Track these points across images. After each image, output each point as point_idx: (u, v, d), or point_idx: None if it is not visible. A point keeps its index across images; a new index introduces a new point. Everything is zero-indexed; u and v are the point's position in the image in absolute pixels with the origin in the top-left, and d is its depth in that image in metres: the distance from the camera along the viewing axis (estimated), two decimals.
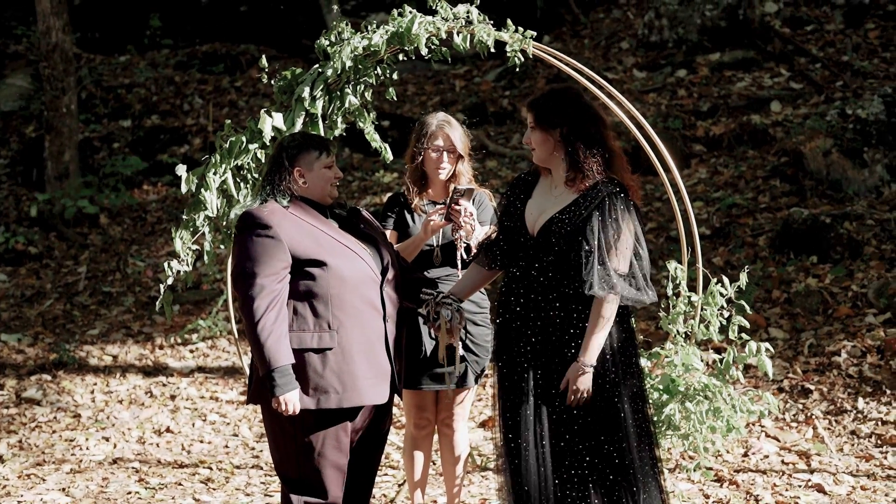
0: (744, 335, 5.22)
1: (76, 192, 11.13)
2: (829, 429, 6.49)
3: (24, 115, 13.45)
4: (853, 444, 6.29)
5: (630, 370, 4.30)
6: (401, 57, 5.08)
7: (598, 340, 4.13)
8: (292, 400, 4.06)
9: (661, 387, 5.24)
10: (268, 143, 5.02)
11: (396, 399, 4.43)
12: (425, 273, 4.95)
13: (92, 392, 7.94)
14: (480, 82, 12.98)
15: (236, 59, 14.35)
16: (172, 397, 7.82)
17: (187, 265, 5.08)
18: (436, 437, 5.21)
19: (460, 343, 4.62)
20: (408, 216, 5.06)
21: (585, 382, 4.13)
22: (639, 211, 4.26)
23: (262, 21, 15.00)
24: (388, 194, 6.64)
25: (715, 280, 5.17)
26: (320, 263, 4.14)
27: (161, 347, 8.76)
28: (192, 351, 8.65)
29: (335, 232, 4.27)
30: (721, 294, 5.21)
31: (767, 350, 5.25)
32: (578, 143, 4.20)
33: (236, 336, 5.68)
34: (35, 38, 12.27)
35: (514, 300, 4.28)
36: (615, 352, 4.23)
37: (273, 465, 4.45)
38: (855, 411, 6.61)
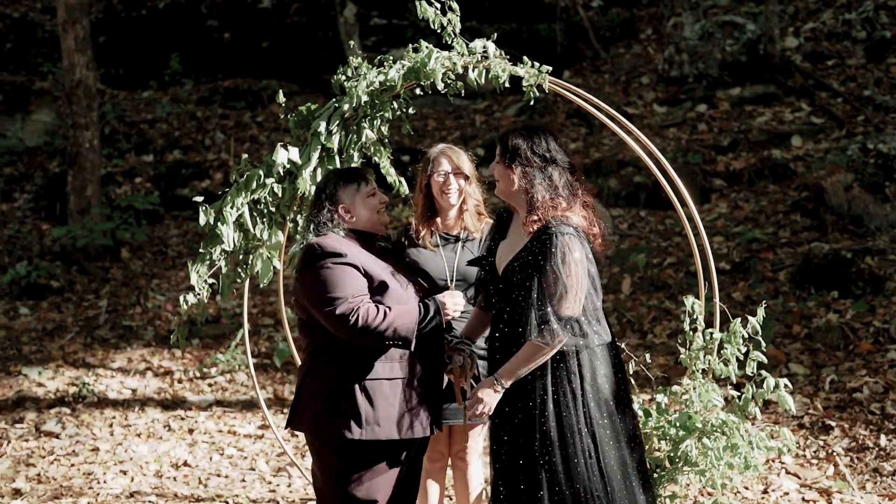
0: (762, 371, 5.17)
1: (96, 226, 11.20)
2: (850, 466, 6.41)
3: (49, 150, 13.58)
4: (875, 482, 6.20)
5: (624, 417, 4.27)
6: (418, 91, 5.09)
7: (519, 370, 4.08)
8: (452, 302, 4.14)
9: (677, 423, 5.19)
10: (282, 176, 5.02)
11: None
12: None
13: (111, 425, 7.94)
14: (501, 117, 13.01)
15: (258, 95, 14.46)
16: (190, 431, 7.81)
17: (203, 298, 5.09)
18: (450, 471, 5.18)
19: (472, 384, 4.62)
20: (410, 250, 5.02)
21: (490, 399, 4.12)
22: (594, 253, 4.22)
23: (283, 57, 15.12)
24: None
25: (738, 320, 5.13)
26: (385, 288, 4.16)
27: (180, 381, 8.77)
28: (210, 385, 8.66)
29: (387, 262, 4.32)
30: (743, 337, 5.16)
31: (786, 385, 5.19)
32: (536, 183, 4.17)
33: (253, 371, 5.67)
34: (60, 75, 12.39)
35: (494, 340, 4.30)
36: (608, 399, 4.21)
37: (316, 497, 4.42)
38: (877, 448, 6.52)
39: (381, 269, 4.22)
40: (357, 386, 4.15)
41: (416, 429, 4.20)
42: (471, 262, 4.70)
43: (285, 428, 4.51)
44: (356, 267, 4.13)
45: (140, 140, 13.74)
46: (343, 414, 4.13)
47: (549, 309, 4.01)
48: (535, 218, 4.15)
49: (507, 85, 4.95)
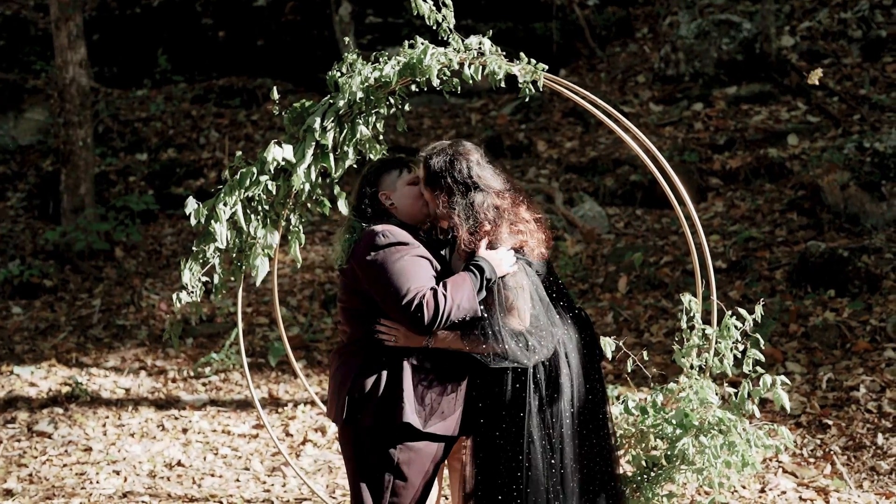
0: (759, 368, 5.13)
1: (90, 226, 11.14)
2: (847, 465, 6.38)
3: (42, 149, 13.53)
4: (873, 481, 6.17)
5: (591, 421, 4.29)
6: (414, 88, 5.04)
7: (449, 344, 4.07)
8: (501, 258, 4.03)
9: (674, 421, 5.15)
10: (277, 173, 4.98)
11: None
12: None
13: (104, 425, 7.89)
14: (497, 116, 12.97)
15: (253, 93, 14.42)
16: (184, 431, 7.76)
17: (196, 297, 5.04)
18: (446, 471, 5.13)
19: None
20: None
21: None
22: (541, 268, 4.23)
23: (279, 55, 15.07)
24: None
25: (729, 313, 5.10)
26: (442, 279, 4.04)
27: (174, 381, 8.72)
28: (204, 384, 8.61)
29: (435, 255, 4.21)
30: (736, 327, 5.13)
31: (783, 384, 5.16)
32: (459, 210, 4.12)
33: (247, 370, 5.63)
34: (53, 73, 12.33)
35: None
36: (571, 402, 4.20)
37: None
38: (874, 447, 6.49)
39: (437, 263, 4.14)
40: (417, 377, 4.06)
41: (455, 427, 4.13)
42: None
43: (334, 422, 4.37)
44: (425, 257, 4.04)
45: (134, 139, 13.69)
46: (402, 401, 4.03)
47: (495, 319, 4.01)
48: (464, 244, 4.09)
49: (503, 84, 4.90)
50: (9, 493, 6.69)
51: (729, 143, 11.29)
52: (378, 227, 4.10)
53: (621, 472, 5.00)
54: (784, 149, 10.93)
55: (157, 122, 13.88)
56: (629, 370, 5.17)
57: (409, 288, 3.92)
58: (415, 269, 3.97)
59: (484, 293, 4.01)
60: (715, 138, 11.42)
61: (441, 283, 3.95)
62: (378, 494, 4.11)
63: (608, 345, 4.91)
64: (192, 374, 8.78)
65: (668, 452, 5.03)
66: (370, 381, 4.07)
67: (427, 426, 4.05)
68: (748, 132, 11.37)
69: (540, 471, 4.14)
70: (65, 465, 7.22)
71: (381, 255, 4.01)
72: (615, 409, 5.16)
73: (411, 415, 4.01)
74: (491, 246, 4.10)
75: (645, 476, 5.12)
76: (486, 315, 4.02)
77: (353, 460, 4.18)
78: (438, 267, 4.09)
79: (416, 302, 3.88)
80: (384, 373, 4.07)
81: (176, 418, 8.00)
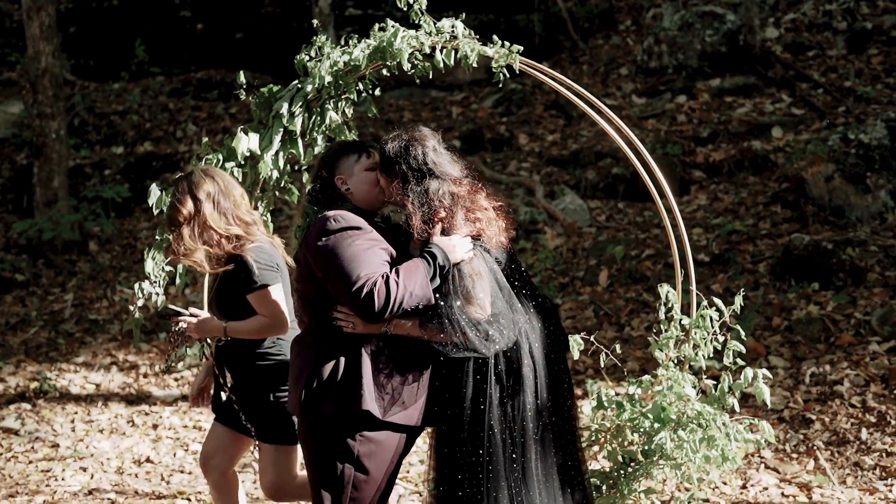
0: (739, 361, 4.98)
1: (62, 218, 10.92)
2: (831, 460, 6.24)
3: (17, 142, 13.32)
4: (857, 477, 6.03)
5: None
6: (385, 73, 4.86)
7: (404, 330, 3.95)
8: (455, 244, 3.90)
9: (651, 415, 5.01)
10: (242, 163, 4.83)
11: None
12: None
13: (72, 421, 7.71)
14: (478, 109, 12.81)
15: (231, 86, 14.24)
16: (154, 426, 7.59)
17: (159, 286, 4.89)
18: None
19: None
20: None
21: None
22: (502, 256, 4.14)
23: (258, 48, 14.90)
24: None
25: (706, 303, 4.94)
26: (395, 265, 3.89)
27: (145, 376, 8.54)
28: (176, 379, 8.43)
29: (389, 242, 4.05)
30: (713, 318, 4.97)
31: (765, 377, 5.00)
32: (413, 197, 3.99)
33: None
34: (25, 63, 12.11)
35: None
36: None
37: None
38: (858, 442, 6.36)
39: (393, 250, 3.98)
40: (376, 366, 3.90)
41: (417, 417, 3.97)
42: None
43: (292, 414, 4.21)
44: (378, 243, 3.88)
45: (110, 132, 13.48)
46: (362, 388, 3.86)
47: (452, 307, 3.89)
48: (417, 231, 3.97)
49: (475, 65, 4.75)
50: None
51: (712, 135, 11.15)
52: (330, 213, 3.94)
53: (593, 467, 4.86)
54: (768, 141, 10.80)
55: (134, 115, 13.68)
56: (602, 365, 5.02)
57: (360, 274, 3.76)
58: (366, 255, 3.82)
59: (438, 280, 3.87)
60: (698, 131, 11.29)
61: (393, 270, 3.80)
62: (338, 488, 3.94)
63: (576, 343, 4.76)
64: (163, 369, 8.60)
65: (646, 447, 4.89)
66: (328, 370, 3.91)
67: (387, 415, 3.88)
68: (732, 125, 11.23)
69: (501, 465, 4.00)
70: (30, 462, 7.04)
71: (331, 241, 3.85)
72: (587, 404, 5.02)
73: (370, 402, 3.84)
74: (445, 233, 3.96)
75: (622, 471, 4.98)
76: (442, 303, 3.88)
77: (312, 452, 4.02)
78: (394, 253, 3.94)
79: (366, 289, 3.73)
80: (342, 360, 3.91)
81: (146, 414, 7.82)
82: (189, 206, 4.54)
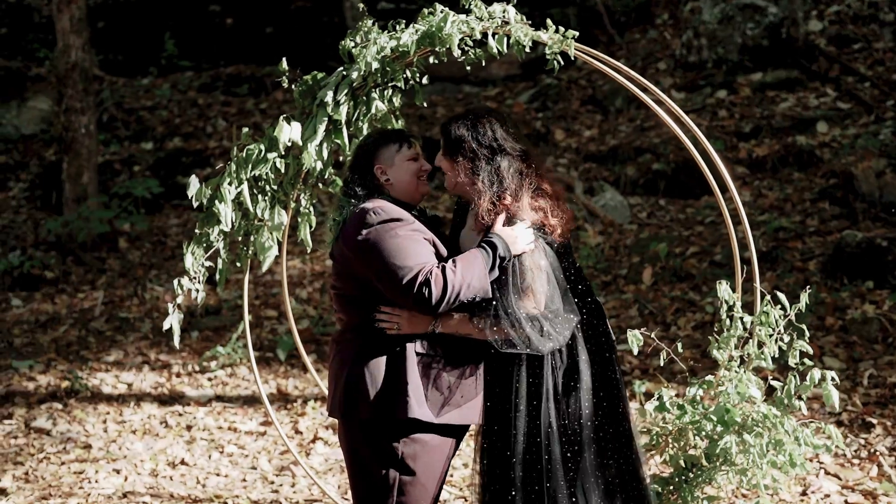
0: (807, 361, 4.72)
1: (92, 214, 10.74)
2: (895, 467, 5.96)
3: (45, 138, 13.19)
4: None
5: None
6: (432, 60, 4.63)
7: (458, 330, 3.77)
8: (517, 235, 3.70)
9: (714, 417, 4.75)
10: (283, 153, 4.61)
11: None
12: None
13: (104, 422, 7.52)
14: (513, 104, 12.58)
15: (261, 81, 14.07)
16: (188, 428, 7.39)
17: (199, 283, 4.69)
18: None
19: None
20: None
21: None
22: (561, 249, 3.96)
23: (288, 43, 14.73)
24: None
25: (768, 297, 4.68)
26: (441, 257, 3.72)
27: (178, 375, 8.34)
28: (210, 379, 8.23)
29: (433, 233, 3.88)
30: (778, 315, 4.71)
31: (833, 379, 4.74)
32: (483, 176, 3.84)
33: (255, 364, 5.26)
34: (54, 58, 11.96)
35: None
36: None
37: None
38: None
39: (436, 239, 3.79)
40: (427, 364, 3.70)
41: (474, 415, 3.76)
42: None
43: (330, 416, 4.00)
44: (423, 234, 3.69)
45: (139, 127, 13.32)
46: (407, 395, 3.65)
47: (508, 300, 3.71)
48: (484, 214, 3.80)
49: (528, 49, 4.51)
50: (2, 493, 6.35)
51: (755, 130, 10.88)
52: (369, 205, 3.76)
53: (654, 472, 4.64)
54: (813, 136, 10.51)
55: (163, 110, 13.52)
56: (661, 364, 4.79)
57: (410, 265, 3.56)
58: (413, 246, 3.62)
59: (496, 272, 3.65)
60: (740, 126, 11.02)
61: (451, 260, 3.59)
62: (383, 494, 3.70)
63: (636, 339, 4.55)
64: (197, 368, 8.40)
65: (709, 451, 4.64)
66: (367, 371, 3.69)
67: (440, 416, 3.65)
68: (775, 119, 10.95)
69: (559, 463, 3.80)
70: (63, 464, 6.87)
71: (373, 234, 3.66)
72: (648, 406, 4.79)
73: (418, 409, 3.62)
74: (510, 220, 3.74)
75: (684, 477, 4.75)
76: (498, 296, 3.66)
77: (353, 456, 3.79)
78: (439, 245, 3.72)
79: (420, 279, 3.53)
80: (383, 362, 3.68)
81: (180, 415, 7.63)
82: None
